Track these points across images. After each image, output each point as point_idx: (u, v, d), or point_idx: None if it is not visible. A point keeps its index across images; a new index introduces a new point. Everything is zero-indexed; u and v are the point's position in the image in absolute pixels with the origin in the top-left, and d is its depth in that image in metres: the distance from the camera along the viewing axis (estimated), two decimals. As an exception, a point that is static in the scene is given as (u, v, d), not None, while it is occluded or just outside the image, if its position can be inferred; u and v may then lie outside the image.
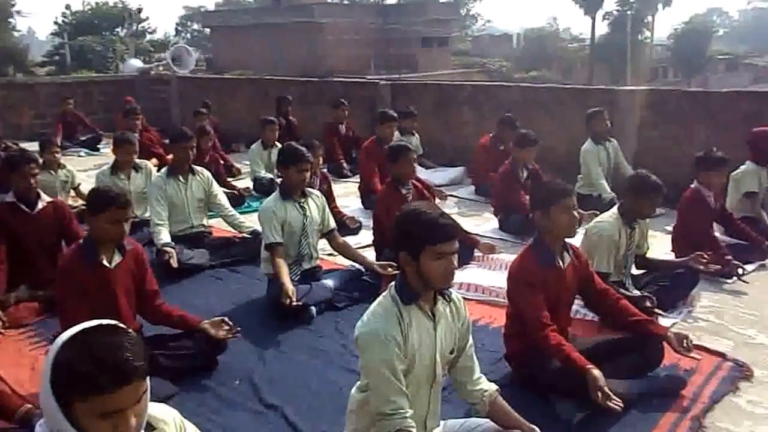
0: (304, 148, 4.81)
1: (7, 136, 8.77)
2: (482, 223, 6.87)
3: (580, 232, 4.64)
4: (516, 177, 6.40)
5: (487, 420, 2.89)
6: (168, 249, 5.25)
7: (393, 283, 2.64)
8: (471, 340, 2.81)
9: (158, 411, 1.88)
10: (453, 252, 2.50)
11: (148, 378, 1.65)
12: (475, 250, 5.64)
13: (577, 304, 3.97)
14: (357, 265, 5.01)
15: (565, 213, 3.36)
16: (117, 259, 3.67)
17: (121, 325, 1.70)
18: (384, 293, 2.64)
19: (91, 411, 1.57)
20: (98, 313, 3.48)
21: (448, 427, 2.91)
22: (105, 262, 3.62)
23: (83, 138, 12.48)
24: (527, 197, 6.02)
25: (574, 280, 3.53)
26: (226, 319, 3.88)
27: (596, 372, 3.07)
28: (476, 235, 5.99)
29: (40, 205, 4.85)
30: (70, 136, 12.23)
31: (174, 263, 5.16)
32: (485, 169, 7.61)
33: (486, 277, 5.10)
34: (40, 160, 5.35)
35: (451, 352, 2.70)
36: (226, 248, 5.82)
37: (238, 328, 3.87)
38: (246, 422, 3.37)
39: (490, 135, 7.97)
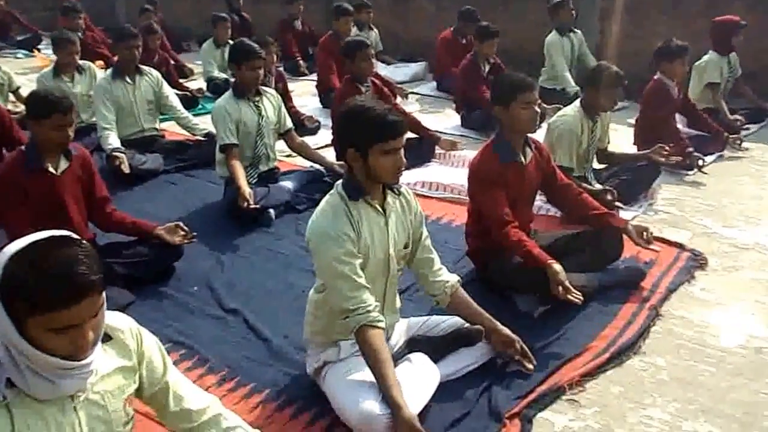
0: (256, 45, 4.59)
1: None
2: (444, 120, 6.75)
3: (543, 127, 4.59)
4: (478, 71, 6.24)
5: (449, 317, 2.90)
6: (118, 154, 5.04)
7: (339, 180, 2.58)
8: (426, 232, 2.78)
9: (114, 320, 1.80)
10: (400, 147, 2.44)
11: (104, 291, 1.56)
12: (437, 147, 5.56)
13: (540, 200, 3.95)
14: (317, 166, 4.90)
15: (526, 108, 3.25)
16: (63, 165, 3.49)
17: (74, 236, 1.59)
18: (331, 192, 2.58)
19: (45, 326, 1.49)
20: (48, 223, 3.34)
21: (411, 324, 2.92)
22: (51, 169, 3.44)
23: (20, 38, 11.80)
24: (488, 92, 5.92)
25: (536, 175, 3.48)
26: (182, 224, 3.78)
27: (557, 266, 3.06)
28: (438, 131, 5.88)
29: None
30: (4, 35, 11.55)
31: (125, 169, 4.97)
32: (447, 64, 7.43)
33: (448, 174, 5.04)
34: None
35: (405, 246, 2.67)
36: (179, 152, 5.64)
37: (194, 234, 3.78)
38: (206, 328, 3.32)
39: (451, 28, 7.73)
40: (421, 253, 2.77)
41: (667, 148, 4.63)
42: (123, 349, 1.81)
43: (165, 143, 5.76)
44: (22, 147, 3.52)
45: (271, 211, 4.44)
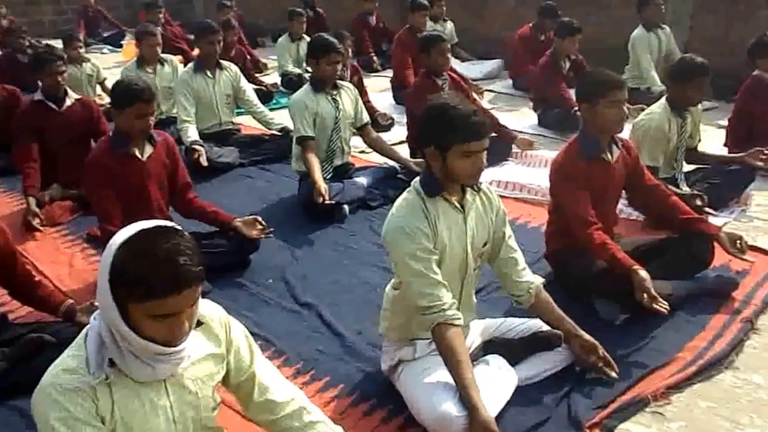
0: (334, 39, 4.59)
1: (30, 33, 8.58)
2: (520, 118, 6.61)
3: (627, 127, 4.43)
4: (557, 69, 6.09)
5: (526, 319, 2.82)
6: (197, 147, 5.14)
7: (416, 177, 2.54)
8: (509, 231, 2.71)
9: (205, 307, 1.86)
10: (482, 150, 2.38)
11: (202, 282, 1.62)
12: (513, 146, 5.45)
13: (621, 203, 3.81)
14: (391, 163, 4.87)
15: (613, 107, 3.12)
16: (148, 150, 3.60)
17: (178, 227, 1.66)
18: (408, 188, 2.55)
19: (146, 313, 1.57)
20: (131, 206, 3.49)
21: (486, 325, 2.86)
22: (137, 154, 3.54)
23: (106, 34, 12.22)
24: (569, 91, 5.78)
25: (622, 174, 3.34)
26: (259, 218, 3.80)
27: (643, 272, 2.94)
28: (514, 130, 5.76)
29: (68, 102, 4.74)
30: (92, 32, 11.95)
31: (203, 161, 5.06)
32: (524, 61, 7.28)
33: (524, 174, 4.94)
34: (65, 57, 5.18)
35: (484, 245, 2.61)
36: (255, 146, 5.70)
37: (271, 228, 3.79)
38: (281, 320, 3.34)
39: (530, 24, 7.57)
40: (505, 252, 2.70)
41: (766, 151, 4.39)
42: (213, 337, 1.86)
43: (241, 137, 5.83)
44: (109, 134, 3.63)
45: (346, 206, 4.43)
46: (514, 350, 2.72)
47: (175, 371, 1.74)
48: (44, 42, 8.87)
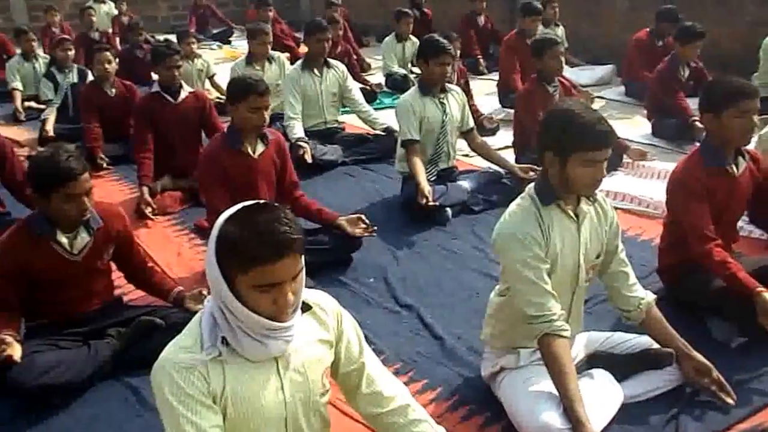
0: (445, 40, 4.56)
1: (145, 29, 9.01)
2: (633, 127, 6.35)
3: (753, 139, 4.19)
4: (675, 76, 5.82)
5: (635, 336, 2.72)
6: (302, 143, 5.22)
7: (531, 184, 2.49)
8: (621, 245, 2.62)
9: (317, 296, 1.90)
10: (604, 160, 2.32)
11: (303, 254, 1.65)
12: (624, 156, 5.27)
13: (742, 220, 3.61)
14: (495, 167, 4.80)
15: (742, 117, 2.93)
16: (260, 148, 3.69)
17: (278, 204, 1.71)
18: (522, 195, 2.49)
19: (251, 283, 1.61)
20: (240, 201, 3.56)
21: (591, 338, 2.77)
22: (249, 151, 3.63)
23: (215, 31, 12.66)
24: (687, 100, 5.54)
25: (747, 189, 3.15)
26: (363, 217, 3.82)
27: (767, 295, 2.77)
28: (626, 140, 5.56)
29: (182, 95, 4.92)
30: (202, 29, 12.40)
31: (308, 158, 5.14)
32: (638, 68, 7.01)
33: (635, 185, 4.76)
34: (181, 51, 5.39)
35: (597, 257, 2.53)
36: (359, 145, 5.75)
37: (375, 227, 3.80)
38: (381, 320, 3.34)
39: (648, 29, 7.26)
40: (616, 265, 2.61)
41: None
42: (322, 323, 1.89)
43: (345, 135, 5.89)
44: (225, 130, 3.74)
45: (448, 209, 4.39)
46: (620, 366, 2.63)
47: (286, 352, 1.76)
48: (161, 38, 9.28)
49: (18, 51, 8.17)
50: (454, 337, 3.15)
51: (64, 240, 2.87)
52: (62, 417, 2.75)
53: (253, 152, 3.66)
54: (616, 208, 4.23)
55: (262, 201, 1.72)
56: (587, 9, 9.24)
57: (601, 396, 2.44)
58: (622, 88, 7.65)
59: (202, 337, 1.71)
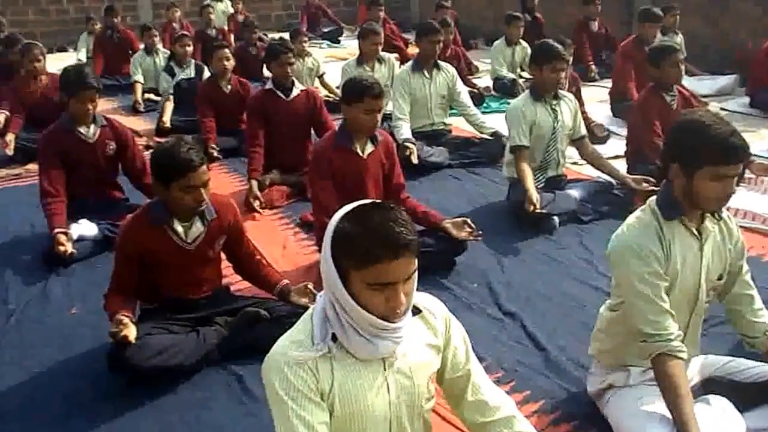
0: (560, 46, 4.46)
1: (259, 27, 9.28)
2: (758, 141, 5.98)
3: None
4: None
5: (760, 364, 2.55)
6: (409, 144, 5.22)
7: (653, 196, 2.37)
8: (746, 266, 2.48)
9: (426, 300, 1.89)
10: (735, 175, 2.19)
11: (417, 256, 1.65)
12: (747, 171, 5.00)
13: None
14: (606, 177, 4.65)
15: None
16: (369, 148, 3.72)
17: (394, 204, 1.72)
18: (642, 207, 2.38)
19: (365, 281, 1.61)
20: (347, 200, 3.60)
21: (707, 362, 2.63)
22: (358, 151, 3.66)
23: (326, 30, 12.86)
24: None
25: None
26: (469, 220, 3.78)
27: None
28: (750, 154, 5.25)
29: (294, 92, 5.02)
30: (313, 28, 12.61)
31: (414, 159, 5.13)
32: (766, 78, 6.64)
33: (758, 201, 4.52)
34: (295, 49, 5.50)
35: (720, 278, 2.40)
36: (465, 148, 5.71)
37: (480, 231, 3.76)
38: (483, 326, 3.30)
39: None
40: (740, 287, 2.46)
41: None
42: (431, 327, 1.86)
43: (452, 138, 5.86)
44: (336, 128, 3.78)
45: (556, 218, 4.29)
46: (742, 394, 2.46)
47: (394, 353, 1.75)
48: (276, 36, 9.52)
49: (142, 46, 8.58)
50: (558, 349, 3.07)
51: (180, 228, 2.98)
52: (170, 398, 2.85)
53: (363, 152, 3.70)
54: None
55: (378, 201, 1.73)
56: (711, 14, 8.78)
57: (719, 424, 2.28)
58: (746, 99, 7.25)
59: (314, 333, 1.73)
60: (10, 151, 5.94)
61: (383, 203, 1.70)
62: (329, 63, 9.19)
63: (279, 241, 4.30)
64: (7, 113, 6.43)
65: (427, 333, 1.86)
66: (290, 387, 1.68)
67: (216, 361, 3.04)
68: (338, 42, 12.42)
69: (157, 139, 6.52)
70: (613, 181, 4.57)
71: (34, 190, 4.52)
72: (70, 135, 4.23)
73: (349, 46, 11.58)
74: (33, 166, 5.70)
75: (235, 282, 3.50)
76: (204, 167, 2.87)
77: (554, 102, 4.46)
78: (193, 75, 7.21)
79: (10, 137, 5.99)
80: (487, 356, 3.02)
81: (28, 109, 6.24)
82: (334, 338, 1.71)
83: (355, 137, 3.67)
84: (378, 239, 1.58)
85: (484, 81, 8.48)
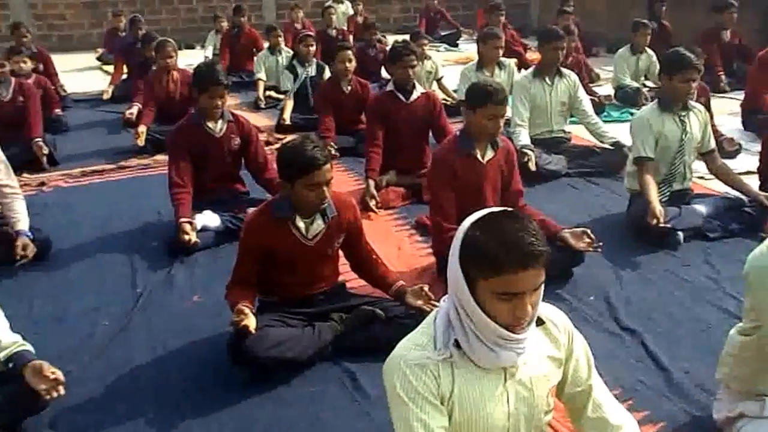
0: (692, 56, 4.27)
1: (378, 28, 9.40)
2: None
3: None
4: None
5: None
6: (527, 151, 5.15)
7: None
8: None
9: (550, 311, 1.86)
10: None
11: (546, 268, 1.62)
12: None
13: None
14: (736, 193, 4.42)
15: None
16: (490, 154, 3.70)
17: (524, 214, 1.70)
18: None
19: (492, 290, 1.60)
20: (465, 205, 3.59)
21: None
22: (478, 156, 3.64)
23: (444, 33, 12.86)
24: None
25: None
26: (588, 231, 3.68)
27: None
28: None
29: (414, 95, 5.04)
30: (431, 31, 12.62)
31: (532, 166, 5.06)
32: None
33: None
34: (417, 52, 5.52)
35: None
36: (584, 157, 5.57)
37: (600, 242, 3.65)
38: (600, 341, 3.19)
39: None
40: None
41: None
42: (553, 340, 1.84)
43: (571, 146, 5.73)
44: (457, 133, 3.78)
45: (680, 233, 4.11)
46: None
47: (516, 364, 1.74)
48: (391, 38, 9.61)
49: (266, 45, 8.87)
50: (681, 370, 2.94)
51: (301, 225, 3.04)
52: (284, 391, 2.92)
53: (483, 157, 3.67)
54: None
55: (509, 209, 1.70)
56: None
57: None
58: None
59: (436, 337, 1.73)
60: (141, 142, 6.25)
61: (514, 212, 1.68)
62: (446, 66, 9.17)
63: (394, 242, 4.33)
64: (140, 106, 6.81)
65: (549, 345, 1.83)
66: (411, 389, 1.68)
67: (329, 356, 3.09)
68: (456, 46, 12.40)
69: (277, 136, 6.75)
70: (745, 198, 4.33)
71: (161, 180, 4.75)
72: (199, 129, 4.41)
73: (467, 49, 11.53)
74: (161, 157, 6.05)
75: (350, 280, 3.55)
76: (328, 166, 2.92)
77: (683, 113, 4.28)
78: (314, 74, 7.37)
79: (141, 129, 6.30)
80: (604, 372, 2.87)
81: (159, 103, 6.56)
82: (457, 344, 1.70)
83: (476, 142, 3.65)
84: (508, 249, 1.56)
85: (604, 89, 8.26)
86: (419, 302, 3.12)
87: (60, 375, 2.53)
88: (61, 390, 2.53)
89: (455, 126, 4.80)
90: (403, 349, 1.75)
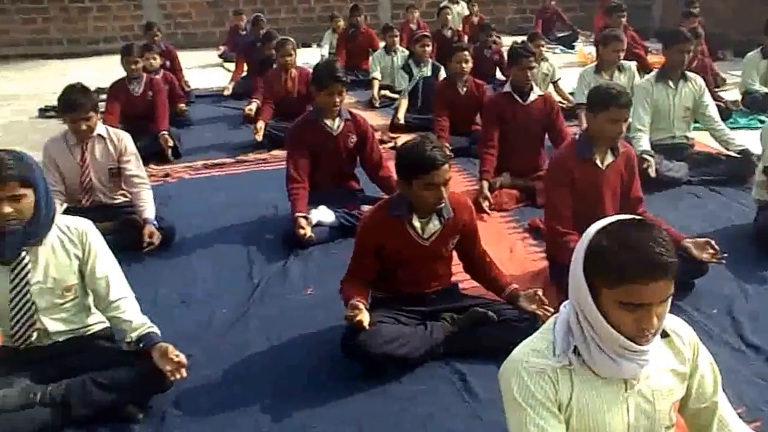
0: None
1: (495, 29, 9.32)
2: None
3: None
4: None
5: None
6: (647, 157, 4.97)
7: None
8: None
9: (674, 323, 1.81)
10: None
11: (674, 279, 1.57)
12: None
13: None
14: None
15: None
16: (609, 159, 3.60)
17: (653, 222, 1.66)
18: None
19: (617, 299, 1.56)
20: (583, 210, 3.52)
21: None
22: (597, 161, 3.55)
23: (559, 35, 12.61)
24: None
25: None
26: (712, 242, 3.52)
27: None
28: None
29: (532, 97, 4.97)
30: (547, 32, 12.39)
31: (652, 172, 4.89)
32: None
33: None
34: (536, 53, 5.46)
35: None
36: (708, 165, 5.34)
37: (725, 254, 3.49)
38: (722, 357, 3.00)
39: None
40: None
41: None
42: (678, 353, 1.78)
43: (694, 153, 5.50)
44: (576, 137, 3.70)
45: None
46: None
47: (637, 375, 1.69)
48: (505, 40, 9.53)
49: (382, 45, 8.97)
50: (810, 392, 2.78)
51: (417, 224, 3.07)
52: (394, 386, 2.96)
53: (602, 163, 3.58)
54: None
55: (638, 217, 1.66)
56: None
57: None
58: None
59: (555, 343, 1.71)
60: (259, 138, 6.46)
61: (643, 220, 1.64)
62: (561, 69, 9.00)
63: (506, 244, 4.30)
64: (259, 102, 7.04)
65: (673, 359, 1.77)
66: (529, 394, 1.67)
67: (439, 356, 3.10)
68: (572, 47, 12.13)
69: (391, 135, 6.81)
70: None
71: (277, 175, 4.90)
72: (317, 126, 4.52)
73: (583, 52, 11.25)
74: (277, 153, 6.24)
75: (461, 281, 3.55)
76: (446, 166, 2.92)
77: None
78: (429, 74, 7.39)
79: (260, 124, 6.52)
80: (726, 389, 2.78)
81: (277, 100, 6.77)
82: (576, 351, 1.68)
83: (595, 147, 3.56)
84: (636, 258, 1.52)
85: (730, 94, 7.88)
86: (532, 306, 3.09)
87: (183, 359, 2.70)
88: (184, 373, 2.69)
89: (572, 130, 4.71)
90: (520, 353, 1.74)
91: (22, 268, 2.69)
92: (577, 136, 3.70)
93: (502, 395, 1.74)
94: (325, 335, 3.31)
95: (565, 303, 1.75)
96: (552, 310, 3.01)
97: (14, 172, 2.53)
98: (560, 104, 6.40)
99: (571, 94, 7.34)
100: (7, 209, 2.55)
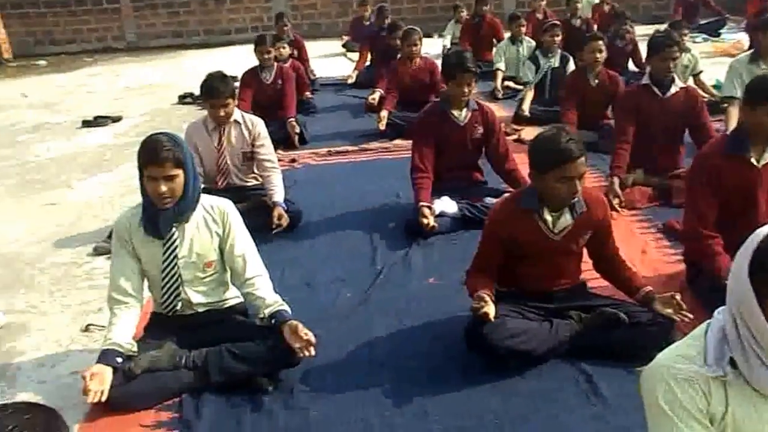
0: None
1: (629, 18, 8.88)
2: None
3: None
4: None
5: None
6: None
7: None
8: None
9: None
10: None
11: None
12: None
13: None
14: None
15: None
16: (766, 157, 3.32)
17: None
18: None
19: None
20: (732, 211, 3.29)
21: None
22: (752, 159, 3.30)
23: (703, 22, 11.83)
24: None
25: None
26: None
27: None
28: None
29: (672, 90, 4.68)
30: (690, 19, 11.47)
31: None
32: None
33: None
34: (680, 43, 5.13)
35: None
36: None
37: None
38: None
39: None
40: None
41: None
42: None
43: None
44: (729, 132, 3.46)
45: None
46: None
47: None
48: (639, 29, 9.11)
49: (507, 35, 8.82)
50: None
51: (548, 218, 2.97)
52: (516, 382, 2.90)
53: (758, 161, 3.30)
54: None
55: None
56: None
57: None
58: None
59: (707, 351, 1.59)
60: (382, 127, 6.50)
61: None
62: (705, 59, 8.50)
63: (638, 244, 4.10)
64: (382, 92, 7.07)
65: None
66: (676, 402, 1.57)
67: (563, 355, 3.00)
68: (718, 35, 11.31)
69: (515, 127, 6.68)
70: None
71: (400, 164, 4.91)
72: (444, 116, 4.49)
73: (732, 39, 10.52)
74: (400, 142, 6.26)
75: (590, 279, 3.42)
76: (582, 159, 2.82)
77: None
78: (557, 65, 7.19)
79: (383, 114, 6.55)
80: None
81: (401, 89, 6.78)
82: (732, 362, 1.56)
83: (751, 144, 3.29)
84: None
85: None
86: (669, 310, 2.92)
87: (312, 337, 2.79)
88: (312, 351, 2.78)
89: (715, 125, 4.44)
90: (667, 359, 1.64)
91: (172, 243, 2.93)
92: (728, 132, 3.45)
93: (644, 402, 1.65)
94: (446, 325, 3.29)
95: (719, 309, 1.64)
96: (691, 316, 2.85)
97: (170, 154, 2.73)
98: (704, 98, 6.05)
99: (715, 87, 6.93)
100: (163, 188, 2.77)
